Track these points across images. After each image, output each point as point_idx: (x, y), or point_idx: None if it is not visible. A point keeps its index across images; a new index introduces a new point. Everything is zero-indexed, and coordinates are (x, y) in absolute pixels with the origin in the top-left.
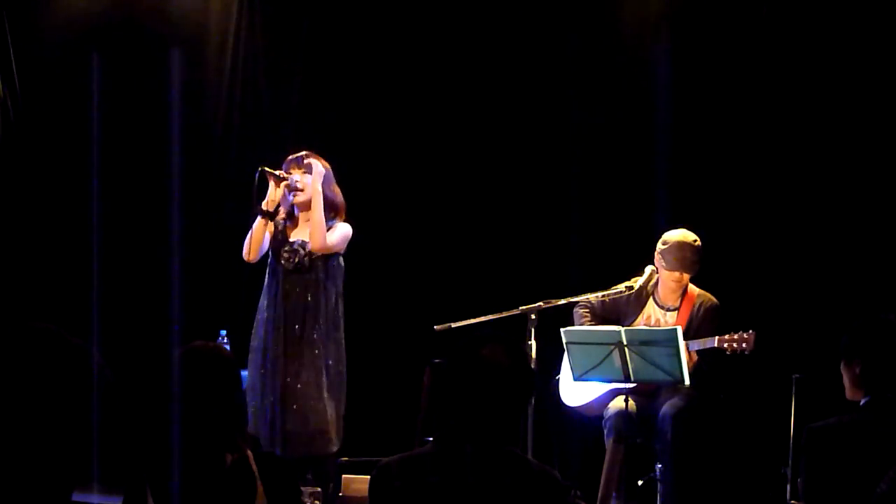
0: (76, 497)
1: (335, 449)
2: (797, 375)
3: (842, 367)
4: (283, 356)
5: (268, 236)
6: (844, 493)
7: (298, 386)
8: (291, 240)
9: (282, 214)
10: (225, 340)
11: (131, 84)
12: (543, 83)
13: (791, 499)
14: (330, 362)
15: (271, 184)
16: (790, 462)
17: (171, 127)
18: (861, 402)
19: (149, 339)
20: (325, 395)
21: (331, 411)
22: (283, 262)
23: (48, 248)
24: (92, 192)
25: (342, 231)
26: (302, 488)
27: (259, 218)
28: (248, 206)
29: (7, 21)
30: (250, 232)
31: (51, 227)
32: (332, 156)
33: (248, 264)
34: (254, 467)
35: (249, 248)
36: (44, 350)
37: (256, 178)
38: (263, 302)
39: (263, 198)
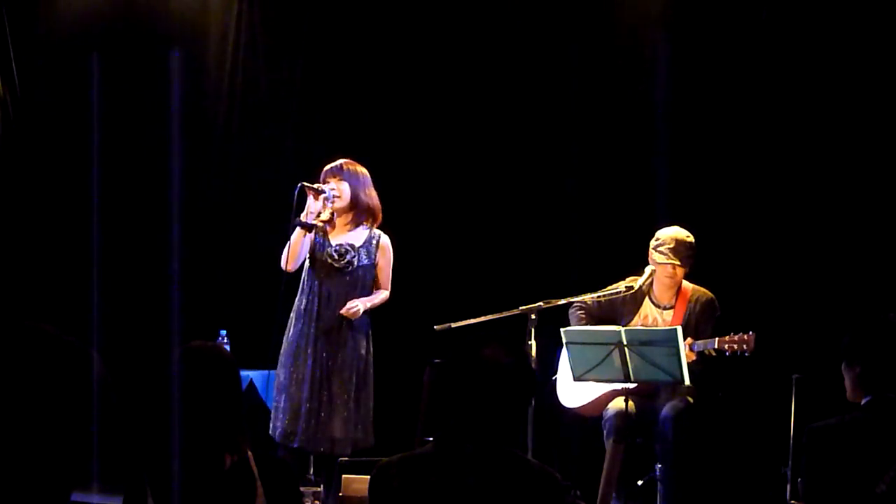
0: (76, 497)
1: (370, 444)
2: (797, 375)
3: (843, 368)
4: (321, 357)
5: (306, 246)
6: (844, 493)
7: (334, 388)
8: (337, 242)
9: (322, 220)
10: (225, 340)
11: (131, 84)
12: (543, 84)
13: (791, 499)
14: (364, 360)
15: (310, 197)
16: (790, 462)
17: (171, 127)
18: (862, 403)
19: (149, 339)
20: (362, 392)
21: (366, 408)
22: (331, 260)
23: (48, 247)
24: (92, 191)
25: (389, 267)
26: (302, 488)
27: (298, 230)
28: (248, 207)
29: (7, 21)
30: (289, 243)
31: (51, 227)
32: (331, 156)
33: (250, 266)
34: (254, 468)
35: (288, 259)
36: (42, 350)
37: (296, 194)
38: (301, 302)
39: (302, 210)
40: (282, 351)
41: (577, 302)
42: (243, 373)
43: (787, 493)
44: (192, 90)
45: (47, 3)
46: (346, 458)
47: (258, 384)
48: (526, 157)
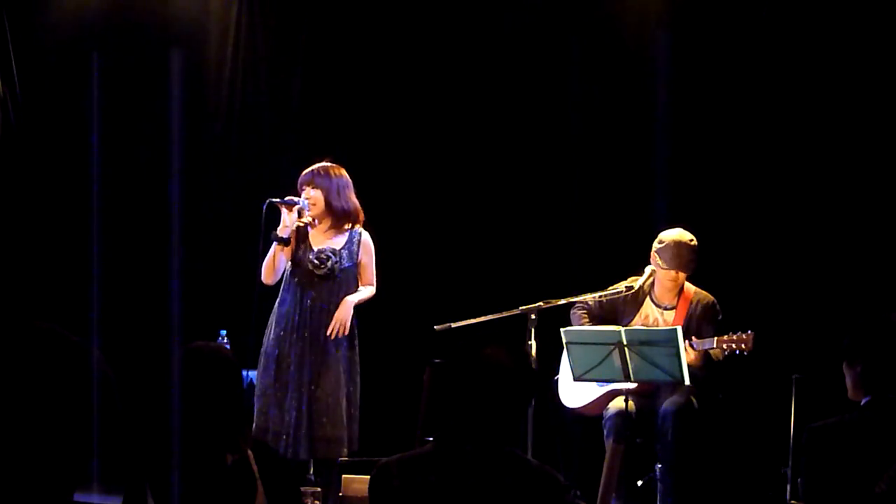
0: (76, 497)
1: (356, 448)
2: (797, 375)
3: (844, 367)
4: (307, 362)
5: (283, 260)
6: (844, 492)
7: (322, 391)
8: (318, 248)
9: (304, 222)
10: (225, 340)
11: (131, 84)
12: (543, 84)
13: (791, 499)
14: (349, 366)
15: (283, 210)
16: (790, 462)
17: (171, 127)
18: (861, 402)
19: (149, 339)
20: (346, 399)
21: (350, 414)
22: (312, 267)
23: (48, 247)
24: (92, 191)
25: (372, 263)
26: (302, 488)
27: (275, 244)
28: (248, 207)
29: (7, 21)
30: (267, 258)
31: (51, 227)
32: (331, 156)
33: (251, 265)
34: (254, 467)
35: (267, 273)
36: (44, 349)
37: (264, 211)
38: (283, 308)
39: (277, 224)
40: (261, 353)
41: (579, 302)
42: (243, 373)
43: (787, 493)
44: (192, 90)
45: (47, 3)
46: (346, 458)
47: None
48: (526, 157)
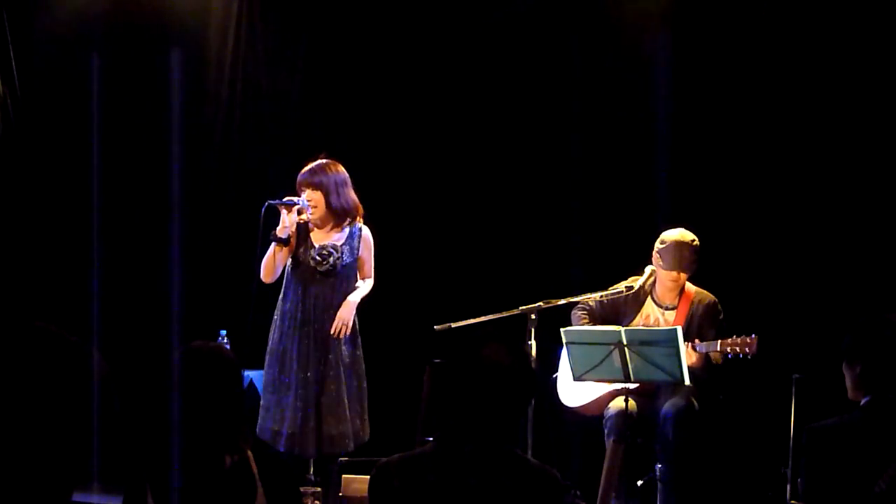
0: (76, 497)
1: (366, 439)
2: (797, 375)
3: (843, 367)
4: (311, 358)
5: (281, 260)
6: (844, 493)
7: (326, 389)
8: (320, 244)
9: (304, 219)
10: (225, 340)
11: (131, 84)
12: (544, 84)
13: (791, 499)
14: (352, 362)
15: (283, 211)
16: (790, 462)
17: (171, 127)
18: (861, 403)
19: (149, 339)
20: (350, 395)
21: (357, 409)
22: (314, 264)
23: (48, 247)
24: (92, 191)
25: (371, 257)
26: (302, 488)
27: (274, 245)
28: (248, 206)
29: (7, 21)
30: (267, 256)
31: (51, 227)
32: (331, 155)
33: (251, 265)
34: (254, 468)
35: (267, 272)
36: (43, 349)
37: (262, 214)
38: (285, 305)
39: (276, 225)
40: (267, 351)
41: (581, 303)
42: (243, 373)
43: (787, 493)
44: (192, 90)
45: (47, 3)
46: (346, 458)
47: (258, 384)
48: (526, 157)
